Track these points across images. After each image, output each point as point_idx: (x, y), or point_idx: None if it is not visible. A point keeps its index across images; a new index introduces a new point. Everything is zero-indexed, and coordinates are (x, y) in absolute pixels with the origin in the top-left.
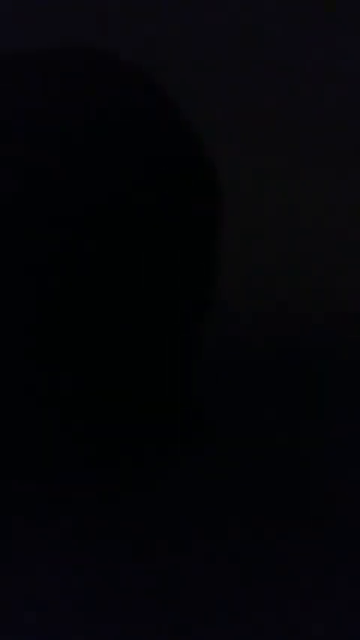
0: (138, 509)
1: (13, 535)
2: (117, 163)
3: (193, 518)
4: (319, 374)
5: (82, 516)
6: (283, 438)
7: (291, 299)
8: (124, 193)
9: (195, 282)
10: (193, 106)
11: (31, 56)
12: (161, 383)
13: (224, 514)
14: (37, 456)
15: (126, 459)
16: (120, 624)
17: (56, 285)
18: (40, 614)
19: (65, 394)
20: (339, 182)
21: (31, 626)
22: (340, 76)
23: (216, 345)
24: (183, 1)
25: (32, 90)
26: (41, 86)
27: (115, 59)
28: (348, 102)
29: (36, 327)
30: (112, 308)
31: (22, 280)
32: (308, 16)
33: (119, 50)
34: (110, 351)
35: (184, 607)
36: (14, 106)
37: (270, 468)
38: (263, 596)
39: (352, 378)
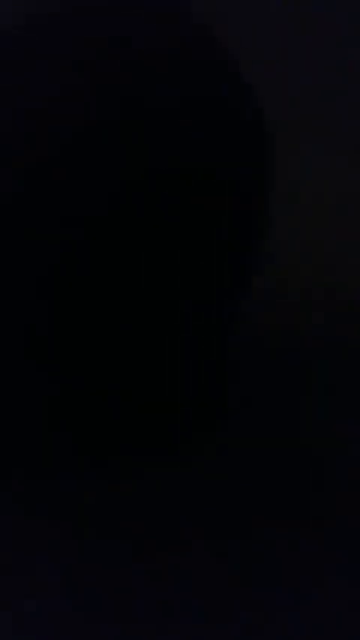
0: (137, 510)
1: (13, 535)
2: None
3: (193, 517)
4: (321, 372)
5: (81, 516)
6: (284, 437)
7: (296, 291)
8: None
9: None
10: None
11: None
12: (162, 380)
13: (224, 514)
14: (37, 454)
15: (126, 458)
16: (120, 624)
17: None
18: (40, 614)
19: (68, 392)
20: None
21: (31, 626)
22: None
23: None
24: None
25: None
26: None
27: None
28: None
29: (47, 324)
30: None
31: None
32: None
33: None
34: (114, 347)
35: (184, 607)
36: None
37: (270, 467)
38: (263, 596)
39: (353, 378)
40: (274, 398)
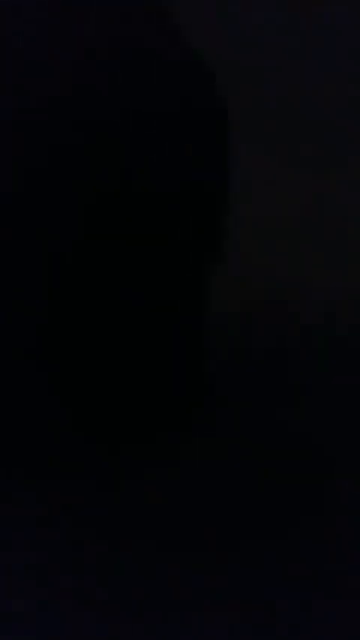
0: (136, 510)
1: (13, 534)
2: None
3: (192, 518)
4: (320, 370)
5: (82, 517)
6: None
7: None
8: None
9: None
10: None
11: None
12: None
13: (224, 514)
14: (38, 454)
15: (125, 456)
16: (119, 624)
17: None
18: (40, 614)
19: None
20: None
21: (31, 626)
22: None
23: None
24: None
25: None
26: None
27: None
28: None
29: (40, 318)
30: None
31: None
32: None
33: None
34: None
35: (183, 607)
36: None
37: (270, 466)
38: (263, 597)
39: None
40: (276, 393)
